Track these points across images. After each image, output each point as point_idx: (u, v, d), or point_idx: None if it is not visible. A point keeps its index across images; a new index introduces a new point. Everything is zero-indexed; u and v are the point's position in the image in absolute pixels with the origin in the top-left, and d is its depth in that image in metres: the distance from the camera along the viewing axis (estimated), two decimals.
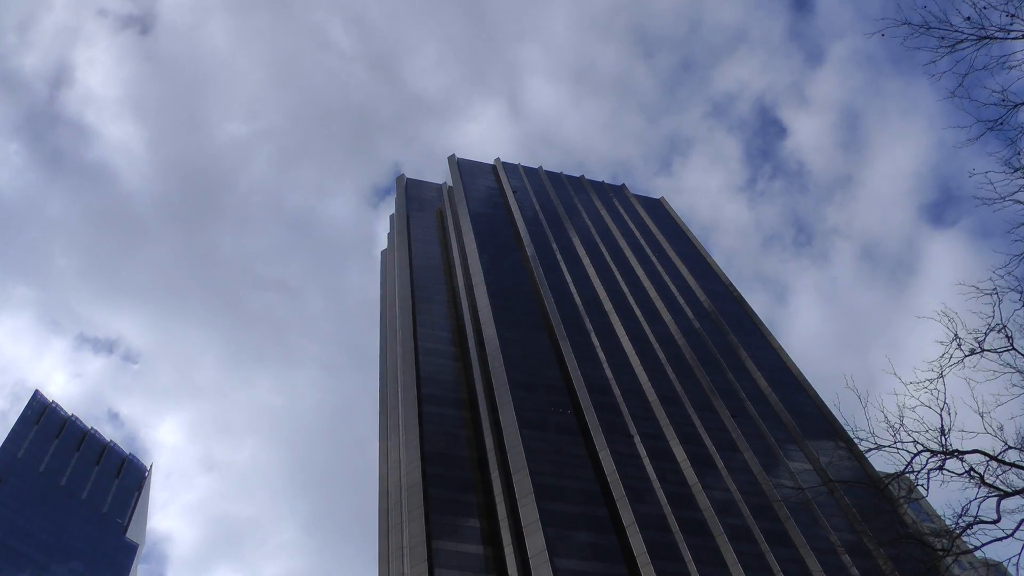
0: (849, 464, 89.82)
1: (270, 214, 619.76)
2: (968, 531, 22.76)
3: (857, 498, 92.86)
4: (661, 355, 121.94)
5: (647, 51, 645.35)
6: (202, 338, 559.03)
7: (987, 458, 23.00)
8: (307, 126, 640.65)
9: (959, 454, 23.16)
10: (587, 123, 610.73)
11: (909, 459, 23.49)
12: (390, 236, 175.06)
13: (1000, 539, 22.49)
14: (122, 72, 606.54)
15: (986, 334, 24.22)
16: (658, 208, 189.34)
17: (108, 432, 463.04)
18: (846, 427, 26.82)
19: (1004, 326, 24.05)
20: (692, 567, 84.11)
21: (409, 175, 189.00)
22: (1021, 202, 24.43)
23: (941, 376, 24.06)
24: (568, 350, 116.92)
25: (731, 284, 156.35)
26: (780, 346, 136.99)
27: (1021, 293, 24.09)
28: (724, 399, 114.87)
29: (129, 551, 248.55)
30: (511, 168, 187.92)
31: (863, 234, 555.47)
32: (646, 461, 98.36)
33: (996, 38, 25.28)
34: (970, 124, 25.70)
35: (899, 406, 24.11)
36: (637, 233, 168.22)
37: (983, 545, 22.67)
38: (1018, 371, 23.90)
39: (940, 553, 24.05)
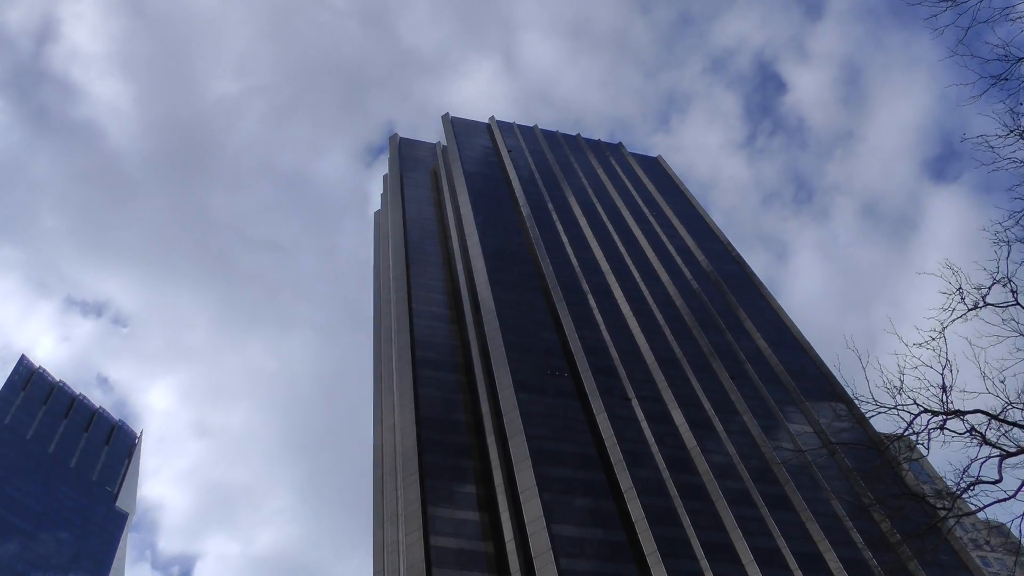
0: (849, 426, 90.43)
1: (261, 173, 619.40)
2: (969, 492, 22.59)
3: (858, 460, 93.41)
4: (659, 317, 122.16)
5: (644, 5, 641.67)
6: (193, 300, 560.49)
7: (989, 417, 22.89)
8: (299, 83, 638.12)
9: (961, 414, 23.01)
10: (584, 79, 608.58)
11: (910, 420, 23.36)
12: (383, 197, 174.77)
13: (1002, 500, 22.28)
14: (109, 27, 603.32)
15: (990, 287, 23.92)
16: (656, 167, 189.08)
17: (97, 397, 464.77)
18: (847, 388, 26.73)
19: (1009, 279, 23.77)
20: (691, 532, 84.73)
21: (403, 134, 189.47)
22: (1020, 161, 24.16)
23: (943, 332, 23.85)
24: (565, 312, 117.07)
25: (730, 243, 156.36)
26: (780, 306, 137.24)
27: None
28: (723, 361, 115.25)
29: (119, 520, 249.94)
30: (506, 127, 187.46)
31: (864, 190, 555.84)
32: (644, 424, 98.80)
33: None
34: (974, 80, 25.53)
35: (899, 367, 23.95)
36: (634, 192, 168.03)
37: (985, 507, 22.49)
38: (1021, 333, 23.68)
39: (941, 512, 24.05)
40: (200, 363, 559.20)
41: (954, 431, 23.10)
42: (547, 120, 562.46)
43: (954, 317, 24.06)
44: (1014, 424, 22.59)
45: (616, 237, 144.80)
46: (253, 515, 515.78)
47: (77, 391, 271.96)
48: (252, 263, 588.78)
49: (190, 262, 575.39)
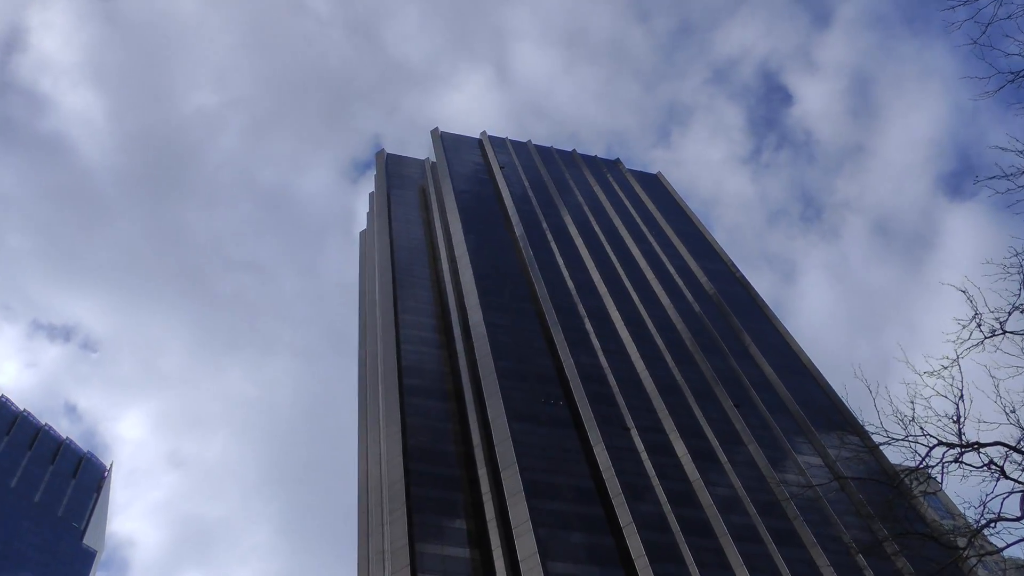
0: (862, 458, 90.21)
1: (241, 190, 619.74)
2: (991, 529, 22.40)
3: (870, 494, 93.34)
4: (659, 341, 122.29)
5: (643, 13, 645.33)
6: (168, 324, 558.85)
7: (1008, 449, 22.70)
8: (281, 95, 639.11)
9: (979, 447, 22.87)
10: (579, 92, 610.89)
11: (925, 453, 23.20)
12: (369, 215, 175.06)
13: None
14: (81, 36, 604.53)
15: (1009, 313, 23.76)
16: (655, 184, 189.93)
17: (64, 427, 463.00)
18: (857, 418, 26.59)
19: None
20: (694, 570, 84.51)
21: (390, 149, 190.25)
22: None
23: (957, 360, 23.75)
24: (560, 337, 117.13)
25: (733, 264, 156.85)
26: (787, 330, 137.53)
27: None
28: (727, 388, 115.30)
29: (87, 558, 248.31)
30: (498, 142, 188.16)
31: (875, 208, 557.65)
32: (644, 456, 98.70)
33: None
34: (991, 75, 25.43)
35: (911, 397, 23.79)
36: (633, 211, 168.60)
37: (1008, 546, 22.22)
38: None
39: (960, 552, 23.81)
40: (174, 390, 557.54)
41: (970, 464, 22.95)
42: (541, 135, 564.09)
43: (969, 345, 23.86)
44: None
45: (614, 258, 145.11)
46: (230, 552, 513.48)
47: (43, 421, 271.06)
48: (230, 284, 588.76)
49: (164, 283, 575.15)
